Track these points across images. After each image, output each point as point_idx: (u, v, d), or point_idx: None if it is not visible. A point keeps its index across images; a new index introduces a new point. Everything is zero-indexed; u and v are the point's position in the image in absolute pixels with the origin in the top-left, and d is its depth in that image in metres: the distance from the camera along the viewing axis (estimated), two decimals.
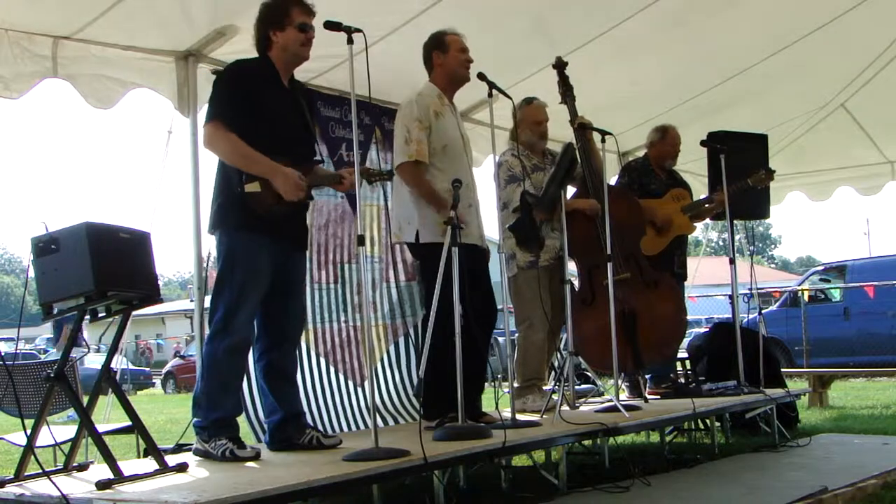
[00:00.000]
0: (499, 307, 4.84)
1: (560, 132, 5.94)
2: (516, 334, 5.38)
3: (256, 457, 3.60)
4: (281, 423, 3.91)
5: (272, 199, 3.68)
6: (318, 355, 5.25)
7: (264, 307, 3.86)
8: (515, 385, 4.97)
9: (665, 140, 6.27)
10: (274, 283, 3.83)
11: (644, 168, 6.27)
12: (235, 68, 3.88)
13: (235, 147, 3.67)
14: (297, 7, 3.80)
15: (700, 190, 7.17)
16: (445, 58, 4.56)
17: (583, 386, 5.90)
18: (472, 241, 4.44)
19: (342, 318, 5.44)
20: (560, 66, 5.53)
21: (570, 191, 5.59)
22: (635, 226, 5.74)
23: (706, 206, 6.24)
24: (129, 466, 3.42)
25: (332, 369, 5.31)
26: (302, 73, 5.19)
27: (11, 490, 3.14)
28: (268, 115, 3.76)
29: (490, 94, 4.41)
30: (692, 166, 7.41)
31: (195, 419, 3.77)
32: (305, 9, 3.81)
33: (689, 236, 6.72)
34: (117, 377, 3.86)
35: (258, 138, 3.67)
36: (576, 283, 5.58)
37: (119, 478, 3.13)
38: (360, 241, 3.52)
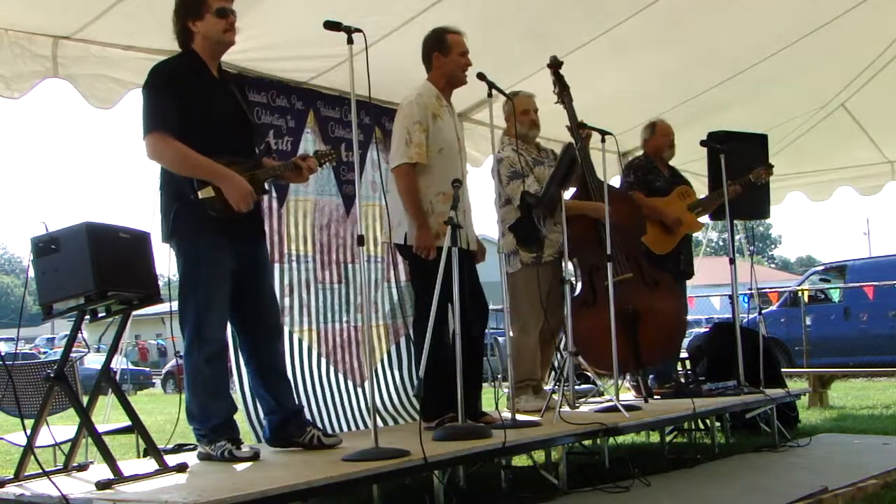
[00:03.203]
0: (499, 307, 4.84)
1: (559, 132, 5.93)
2: (512, 334, 5.36)
3: (255, 457, 3.59)
4: (282, 423, 3.89)
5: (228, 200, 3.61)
6: (319, 355, 5.25)
7: (239, 311, 3.80)
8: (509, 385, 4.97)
9: (656, 133, 6.28)
10: (243, 283, 3.76)
11: (648, 165, 6.27)
12: (160, 71, 3.70)
13: (182, 155, 3.54)
14: None
15: (700, 190, 7.16)
16: (445, 60, 4.53)
17: (583, 386, 5.90)
18: (461, 245, 4.42)
19: (344, 319, 5.44)
20: (555, 65, 5.42)
21: (569, 191, 5.56)
22: (636, 226, 5.73)
23: (710, 202, 6.25)
24: (129, 466, 3.42)
25: (331, 369, 5.31)
26: (302, 73, 5.24)
27: (11, 490, 3.14)
28: (202, 111, 3.64)
29: (490, 94, 4.40)
30: (692, 166, 7.40)
31: (193, 427, 3.75)
32: None
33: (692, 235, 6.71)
34: (117, 377, 3.86)
35: (196, 138, 3.56)
36: (576, 283, 5.56)
37: (119, 478, 3.13)
38: (360, 241, 3.52)
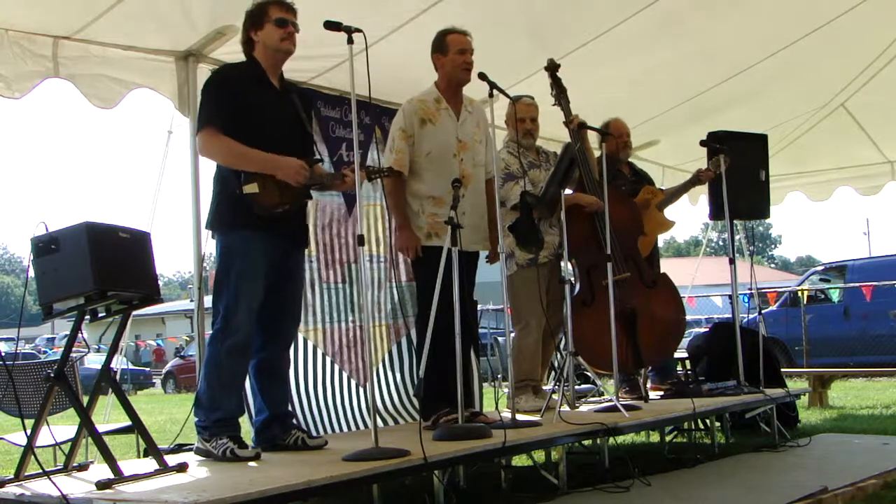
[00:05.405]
0: (499, 307, 4.85)
1: (557, 132, 5.93)
2: (513, 334, 5.36)
3: (257, 457, 3.61)
4: (267, 423, 3.92)
5: (273, 198, 3.71)
6: (324, 355, 5.25)
7: (261, 306, 3.85)
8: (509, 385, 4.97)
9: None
10: (273, 281, 3.83)
11: (610, 171, 6.15)
12: (220, 73, 3.93)
13: (230, 148, 3.72)
14: (274, 5, 3.85)
15: (700, 190, 7.17)
16: (444, 60, 4.56)
17: (583, 386, 5.90)
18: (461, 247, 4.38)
19: (350, 318, 5.43)
20: (552, 67, 5.41)
21: (568, 191, 5.55)
22: (634, 227, 5.73)
23: (677, 192, 6.23)
24: (129, 466, 3.42)
25: (337, 368, 5.31)
26: (302, 73, 5.23)
27: (11, 490, 3.14)
28: (257, 115, 3.78)
29: (491, 94, 4.40)
30: (692, 166, 7.40)
31: (196, 419, 3.78)
32: (283, 6, 3.86)
33: (689, 236, 6.71)
34: (117, 377, 3.87)
35: (249, 139, 3.70)
36: (574, 283, 5.56)
37: (119, 478, 3.13)
38: (360, 241, 3.52)
